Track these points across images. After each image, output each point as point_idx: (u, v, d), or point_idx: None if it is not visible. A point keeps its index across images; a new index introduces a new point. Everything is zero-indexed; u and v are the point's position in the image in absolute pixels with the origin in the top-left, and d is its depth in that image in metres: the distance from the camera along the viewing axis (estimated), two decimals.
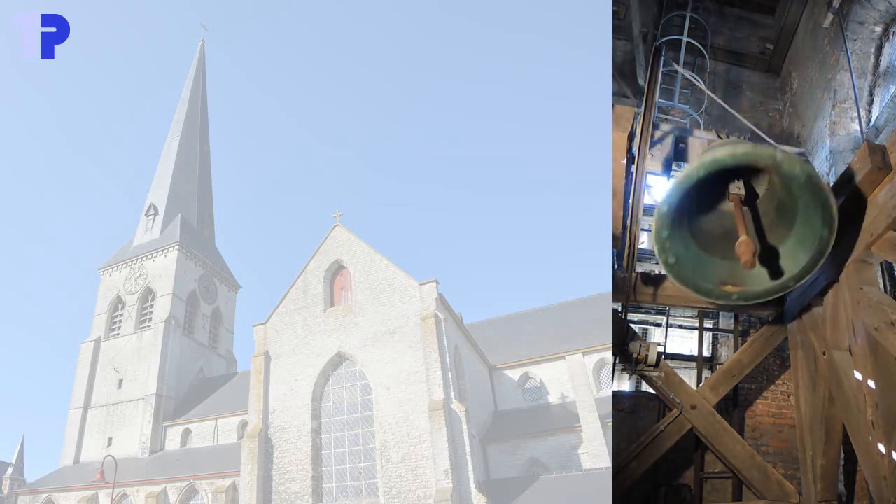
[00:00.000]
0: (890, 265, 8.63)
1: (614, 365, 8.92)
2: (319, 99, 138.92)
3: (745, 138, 7.95)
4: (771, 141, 7.51)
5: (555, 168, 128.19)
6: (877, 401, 6.28)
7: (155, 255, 37.94)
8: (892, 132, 7.05)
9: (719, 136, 7.35)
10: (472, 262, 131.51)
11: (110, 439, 32.68)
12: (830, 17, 10.14)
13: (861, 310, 6.46)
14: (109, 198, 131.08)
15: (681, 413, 8.50)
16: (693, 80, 9.69)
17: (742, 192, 5.80)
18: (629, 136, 6.81)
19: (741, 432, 9.45)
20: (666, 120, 11.50)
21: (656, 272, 8.79)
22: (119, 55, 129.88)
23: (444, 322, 23.27)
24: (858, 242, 6.50)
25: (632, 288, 8.24)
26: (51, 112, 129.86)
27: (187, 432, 31.78)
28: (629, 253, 7.67)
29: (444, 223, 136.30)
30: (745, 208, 5.93)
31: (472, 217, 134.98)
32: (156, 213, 40.68)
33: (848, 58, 9.52)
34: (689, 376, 9.80)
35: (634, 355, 8.32)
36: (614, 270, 8.35)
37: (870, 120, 9.68)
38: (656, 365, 8.41)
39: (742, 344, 9.33)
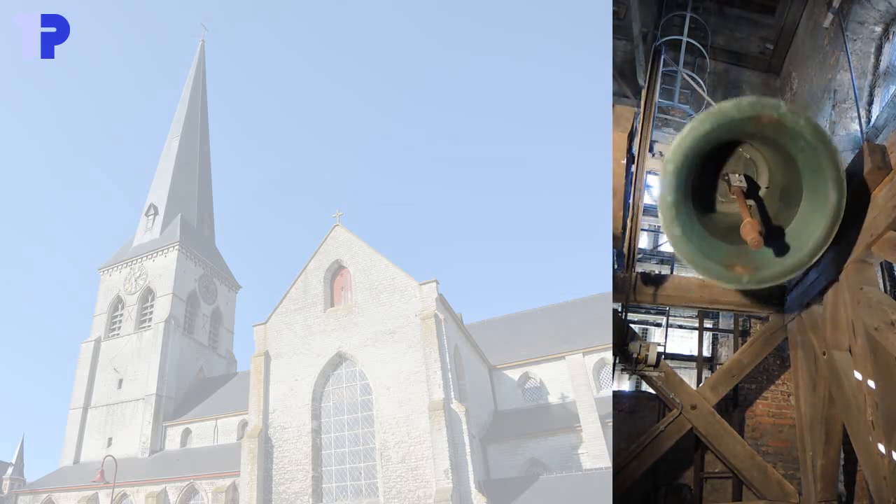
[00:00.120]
0: (890, 265, 8.63)
1: (614, 365, 8.91)
2: (319, 99, 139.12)
3: None
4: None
5: (555, 168, 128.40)
6: (877, 401, 6.27)
7: (155, 255, 37.95)
8: (892, 132, 7.05)
9: None
10: (472, 262, 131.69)
11: (110, 439, 32.69)
12: (830, 17, 10.13)
13: (861, 310, 6.46)
14: (109, 198, 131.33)
15: (681, 413, 8.50)
16: (693, 81, 9.69)
17: (744, 184, 5.79)
18: (629, 136, 6.81)
19: (741, 432, 9.45)
20: (666, 120, 11.51)
21: (656, 272, 8.80)
22: (119, 55, 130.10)
23: (444, 322, 23.27)
24: (858, 242, 6.49)
25: (632, 288, 8.24)
26: (51, 112, 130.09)
27: (187, 432, 31.79)
28: (629, 253, 7.67)
29: (444, 223, 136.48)
30: (751, 202, 5.90)
31: (472, 217, 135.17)
32: (156, 213, 40.70)
33: (848, 58, 9.51)
34: (689, 376, 9.80)
35: (634, 355, 8.31)
36: (614, 270, 8.34)
37: (870, 120, 9.67)
38: (656, 365, 8.40)
39: (742, 344, 9.33)
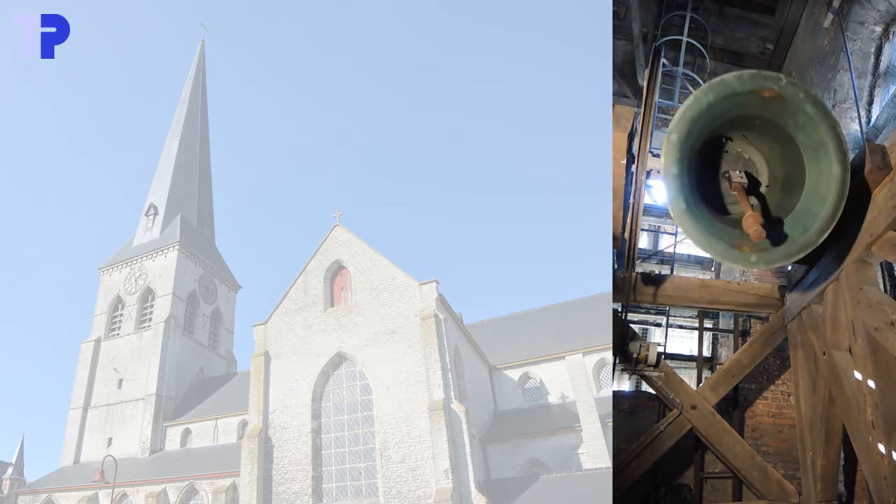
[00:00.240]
0: (890, 265, 8.62)
1: (614, 365, 8.91)
2: (319, 99, 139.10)
3: None
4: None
5: (555, 168, 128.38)
6: (877, 401, 6.27)
7: (155, 255, 37.94)
8: (892, 132, 7.05)
9: None
10: (472, 262, 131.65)
11: (110, 439, 32.69)
12: (830, 17, 10.12)
13: (861, 310, 6.46)
14: (109, 198, 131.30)
15: (681, 413, 8.50)
16: (692, 82, 9.69)
17: (744, 180, 5.80)
18: (629, 136, 6.81)
19: (741, 432, 9.44)
20: (666, 120, 11.51)
21: (656, 272, 8.80)
22: (119, 55, 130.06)
23: (444, 322, 23.27)
24: (858, 242, 6.49)
25: (632, 288, 8.24)
26: (51, 112, 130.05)
27: (187, 432, 31.79)
28: (629, 253, 7.66)
29: (444, 223, 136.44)
30: (753, 199, 5.90)
31: (472, 217, 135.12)
32: (156, 213, 40.70)
33: (848, 58, 9.50)
34: (689, 376, 9.80)
35: (634, 355, 8.31)
36: (614, 270, 8.34)
37: (870, 120, 9.66)
38: (656, 365, 8.40)
39: (742, 344, 9.33)
